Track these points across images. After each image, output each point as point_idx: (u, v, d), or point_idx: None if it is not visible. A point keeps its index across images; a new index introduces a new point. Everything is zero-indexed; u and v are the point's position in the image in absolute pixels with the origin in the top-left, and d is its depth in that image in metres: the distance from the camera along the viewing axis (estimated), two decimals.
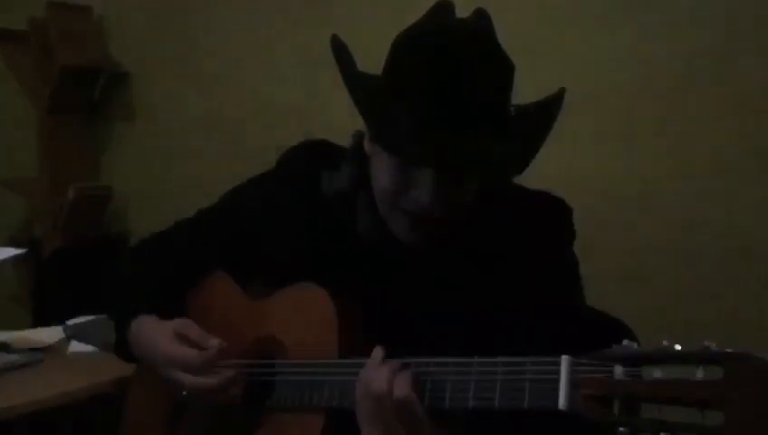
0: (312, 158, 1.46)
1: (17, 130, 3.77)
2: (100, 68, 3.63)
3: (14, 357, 2.13)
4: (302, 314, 1.36)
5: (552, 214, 1.37)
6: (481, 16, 1.28)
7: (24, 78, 3.62)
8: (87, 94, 3.68)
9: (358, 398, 1.19)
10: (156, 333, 1.42)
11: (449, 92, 1.18)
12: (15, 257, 2.55)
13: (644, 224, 2.58)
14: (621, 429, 0.96)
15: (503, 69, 1.24)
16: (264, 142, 3.11)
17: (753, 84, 2.42)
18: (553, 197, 1.39)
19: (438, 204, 1.23)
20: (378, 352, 1.20)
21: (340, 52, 1.29)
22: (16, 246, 2.75)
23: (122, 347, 1.50)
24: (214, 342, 1.36)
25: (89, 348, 2.26)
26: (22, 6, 3.60)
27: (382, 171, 1.28)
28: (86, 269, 2.99)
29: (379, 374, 1.16)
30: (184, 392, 1.40)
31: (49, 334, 2.35)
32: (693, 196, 2.50)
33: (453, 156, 1.19)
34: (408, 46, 1.25)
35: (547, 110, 1.26)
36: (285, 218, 1.44)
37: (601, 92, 2.59)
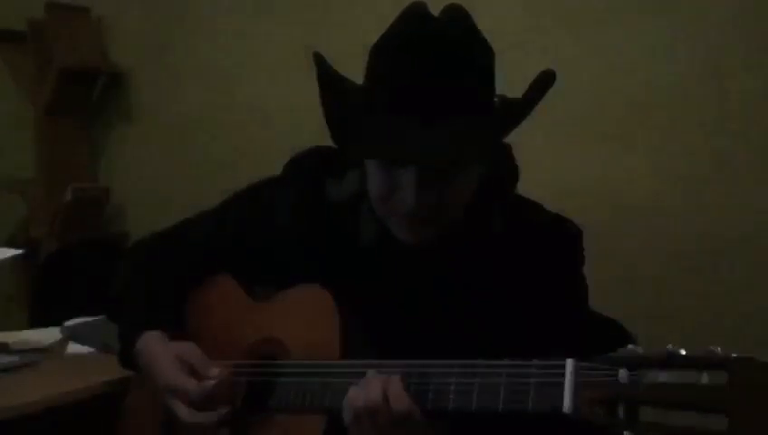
0: (318, 164, 1.46)
1: (15, 131, 3.76)
2: (98, 69, 3.63)
3: (12, 358, 2.12)
4: (304, 315, 1.36)
5: (560, 230, 1.36)
6: (453, 11, 1.26)
7: (22, 79, 3.61)
8: (85, 95, 3.67)
9: (351, 416, 1.18)
10: (159, 362, 1.38)
11: (415, 86, 1.19)
12: (13, 258, 2.54)
13: (647, 228, 2.58)
14: (626, 432, 0.96)
15: (472, 57, 1.23)
16: (263, 144, 3.13)
17: (757, 88, 2.43)
18: (563, 217, 1.38)
19: (425, 203, 1.24)
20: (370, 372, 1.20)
21: (321, 66, 1.30)
22: (14, 246, 2.75)
23: (127, 359, 1.48)
24: (214, 371, 1.34)
25: (87, 349, 2.25)
26: (20, 7, 3.59)
27: (371, 176, 1.30)
28: (84, 270, 2.99)
29: (372, 388, 1.16)
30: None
31: (47, 335, 2.34)
32: (696, 200, 2.51)
33: (416, 148, 1.19)
34: (377, 50, 1.27)
35: (531, 93, 1.25)
36: (289, 222, 1.44)
37: (604, 95, 2.59)
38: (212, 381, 1.33)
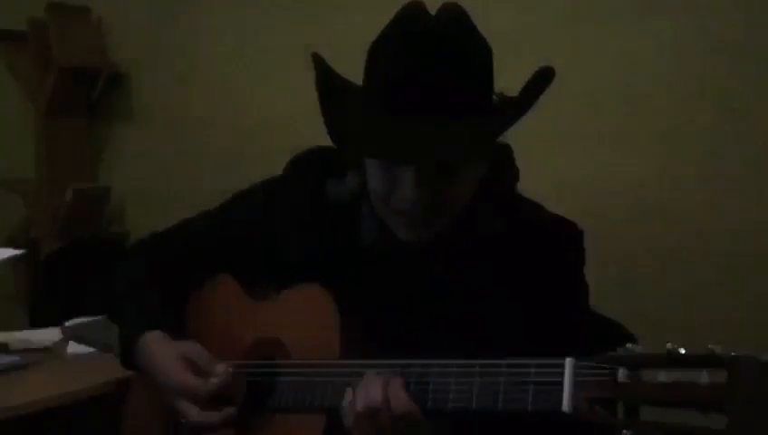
0: (318, 165, 1.46)
1: (16, 131, 3.77)
2: (98, 69, 3.63)
3: (12, 358, 2.12)
4: (304, 315, 1.36)
5: (562, 230, 1.36)
6: (450, 9, 1.26)
7: (23, 78, 3.62)
8: (86, 95, 3.68)
9: (351, 416, 1.18)
10: (163, 362, 1.38)
11: (413, 85, 1.20)
12: (14, 258, 2.55)
13: (647, 227, 2.58)
14: (625, 431, 0.96)
15: (470, 55, 1.23)
16: (263, 143, 3.13)
17: (759, 88, 2.43)
18: (564, 217, 1.38)
19: (425, 199, 1.24)
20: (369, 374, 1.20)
21: (320, 66, 1.31)
22: (14, 246, 2.75)
23: (128, 359, 1.47)
24: (219, 369, 1.33)
25: (87, 349, 2.26)
26: (21, 7, 3.60)
27: (371, 175, 1.30)
28: (84, 270, 2.99)
29: (371, 388, 1.16)
30: (183, 420, 1.37)
31: (47, 335, 2.35)
32: (696, 200, 2.51)
33: (414, 147, 1.19)
34: (375, 49, 1.28)
35: (530, 89, 1.25)
36: (290, 223, 1.44)
37: (604, 95, 2.60)
38: (217, 380, 1.32)
